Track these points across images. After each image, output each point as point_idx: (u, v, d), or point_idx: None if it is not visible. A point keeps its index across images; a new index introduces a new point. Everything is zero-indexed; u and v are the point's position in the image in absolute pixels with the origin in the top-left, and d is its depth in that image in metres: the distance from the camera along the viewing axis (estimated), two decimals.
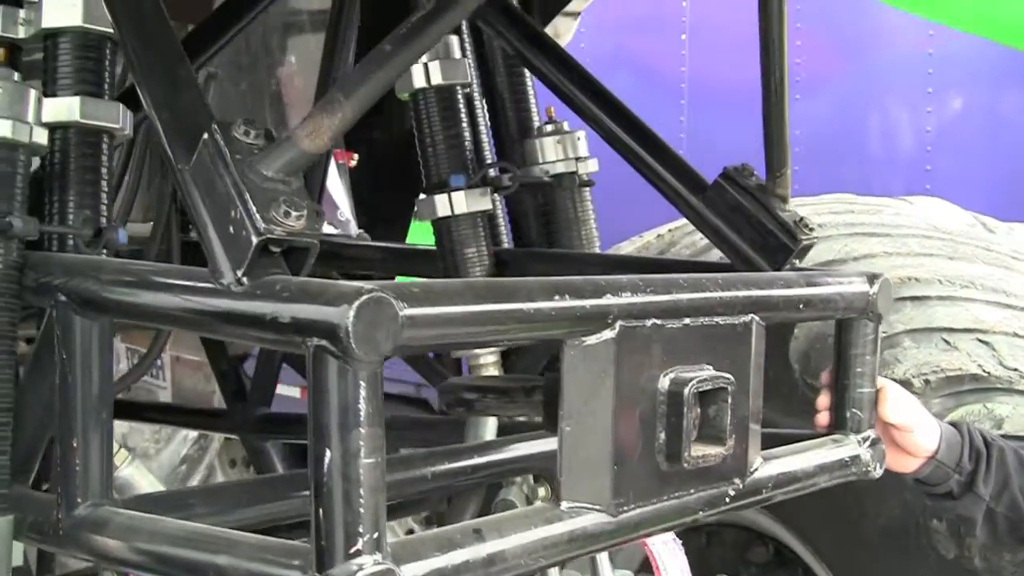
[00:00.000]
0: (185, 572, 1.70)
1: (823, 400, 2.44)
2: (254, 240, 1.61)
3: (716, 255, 3.80)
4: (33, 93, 2.11)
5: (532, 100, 3.11)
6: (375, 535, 1.51)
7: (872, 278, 2.38)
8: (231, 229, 1.63)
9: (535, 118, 3.10)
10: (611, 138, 2.70)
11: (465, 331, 1.62)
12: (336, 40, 3.28)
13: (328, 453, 1.49)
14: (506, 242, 3.10)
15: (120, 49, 2.04)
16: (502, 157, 3.07)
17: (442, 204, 2.81)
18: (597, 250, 3.05)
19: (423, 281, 1.60)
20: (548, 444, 2.43)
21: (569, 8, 3.99)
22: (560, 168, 2.97)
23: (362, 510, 1.50)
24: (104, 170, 2.28)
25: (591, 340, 1.79)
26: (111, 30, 2.26)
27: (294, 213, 1.63)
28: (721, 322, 2.02)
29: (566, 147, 2.98)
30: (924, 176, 5.62)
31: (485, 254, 2.86)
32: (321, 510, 1.50)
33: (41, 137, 2.11)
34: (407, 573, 1.55)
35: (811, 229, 2.50)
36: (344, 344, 1.46)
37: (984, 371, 3.14)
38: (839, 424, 2.41)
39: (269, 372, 3.56)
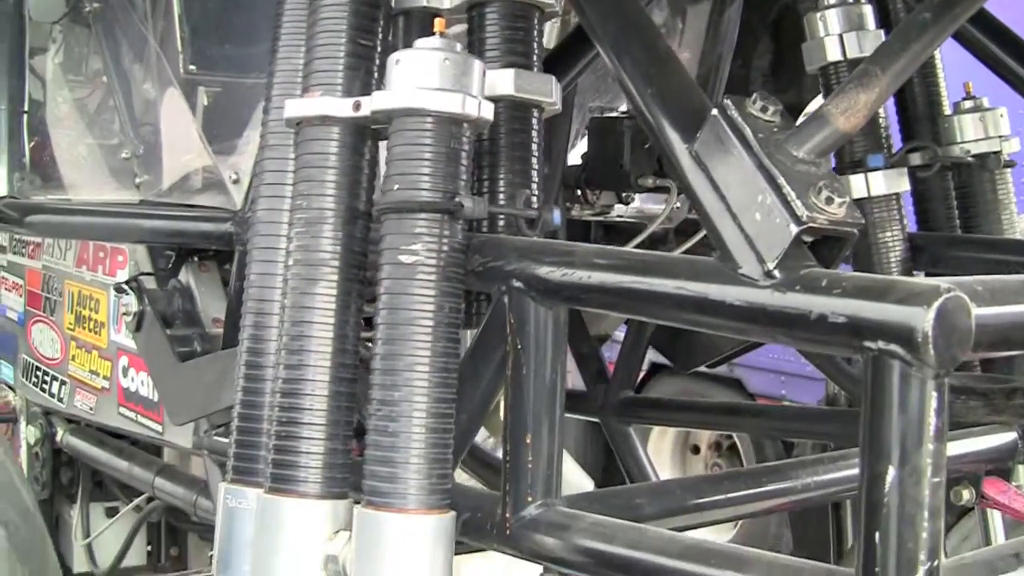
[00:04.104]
0: None
1: None
2: (793, 229, 1.44)
3: None
4: (478, 64, 1.98)
5: (941, 74, 2.85)
6: (935, 564, 1.34)
7: None
8: (757, 216, 1.47)
9: (944, 94, 2.85)
10: None
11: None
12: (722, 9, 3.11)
13: (891, 471, 1.32)
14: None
15: (586, 28, 1.90)
16: (908, 135, 2.84)
17: (858, 185, 2.59)
18: (1020, 236, 2.80)
19: (982, 279, 1.40)
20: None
21: None
22: (982, 147, 2.72)
23: (924, 535, 1.33)
24: (535, 146, 2.16)
25: None
26: None
27: (836, 199, 1.45)
28: None
29: (987, 125, 2.73)
30: None
31: (901, 238, 2.64)
32: (877, 534, 1.34)
33: (488, 112, 1.98)
34: None
35: None
36: (919, 350, 1.28)
37: None
38: None
39: (635, 355, 3.42)
